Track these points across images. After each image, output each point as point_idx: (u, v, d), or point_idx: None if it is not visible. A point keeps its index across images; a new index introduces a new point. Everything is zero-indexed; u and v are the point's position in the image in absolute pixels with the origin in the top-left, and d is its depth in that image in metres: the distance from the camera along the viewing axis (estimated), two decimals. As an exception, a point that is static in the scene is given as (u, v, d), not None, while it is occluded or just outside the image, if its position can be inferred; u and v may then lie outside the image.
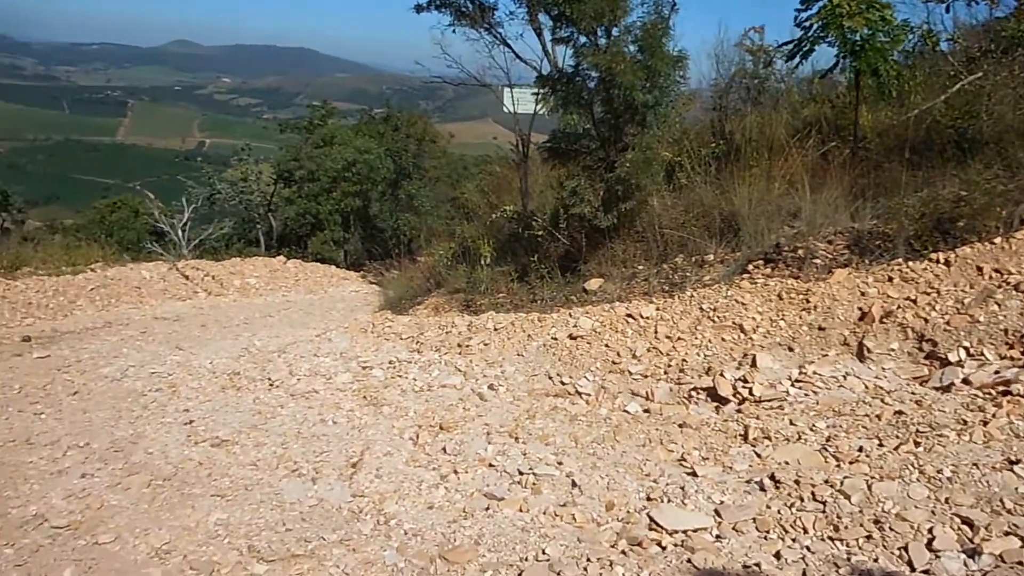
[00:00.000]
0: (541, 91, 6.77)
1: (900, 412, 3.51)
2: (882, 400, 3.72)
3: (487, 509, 3.09)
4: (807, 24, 5.99)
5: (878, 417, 3.52)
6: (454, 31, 11.61)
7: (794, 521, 2.74)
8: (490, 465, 3.54)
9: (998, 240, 4.49)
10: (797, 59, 6.21)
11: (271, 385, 5.01)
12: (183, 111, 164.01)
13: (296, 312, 9.56)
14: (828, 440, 3.37)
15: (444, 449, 3.74)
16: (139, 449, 3.92)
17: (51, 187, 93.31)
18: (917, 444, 3.15)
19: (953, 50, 6.92)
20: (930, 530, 2.53)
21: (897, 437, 3.27)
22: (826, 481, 2.96)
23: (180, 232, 13.67)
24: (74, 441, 4.06)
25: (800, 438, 3.44)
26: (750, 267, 5.40)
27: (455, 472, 3.47)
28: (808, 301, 4.70)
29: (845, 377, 4.02)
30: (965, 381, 3.72)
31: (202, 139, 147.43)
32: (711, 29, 8.49)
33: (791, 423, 3.61)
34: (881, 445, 3.23)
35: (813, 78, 7.86)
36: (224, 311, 9.33)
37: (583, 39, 6.18)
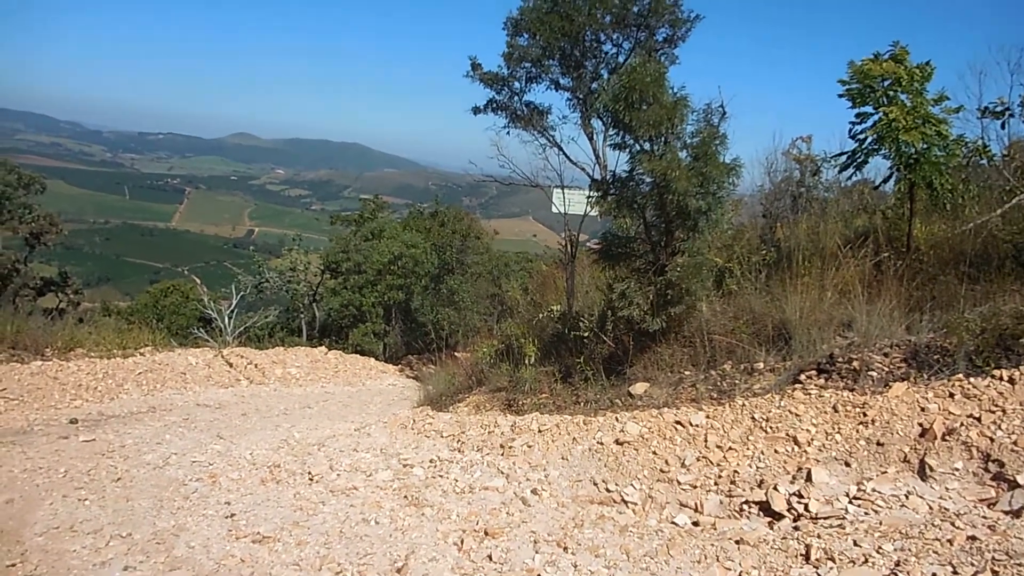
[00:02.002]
0: (594, 194, 6.99)
1: (973, 537, 3.37)
2: (951, 523, 3.58)
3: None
4: (862, 137, 6.16)
5: (949, 542, 3.38)
6: (508, 132, 12.24)
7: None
8: (538, 576, 3.48)
9: (1066, 359, 4.39)
10: (851, 170, 6.36)
11: (311, 480, 5.05)
12: (236, 200, 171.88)
13: (335, 404, 9.67)
14: (897, 564, 3.24)
15: (490, 557, 3.69)
16: (181, 542, 3.96)
17: (105, 268, 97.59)
18: (995, 573, 3.01)
19: (1008, 164, 7.01)
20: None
21: (972, 564, 3.13)
22: (892, 611, 2.84)
23: (226, 319, 14.10)
24: (117, 531, 4.12)
25: (867, 561, 3.32)
26: (803, 377, 5.35)
27: (500, 581, 3.42)
28: (865, 415, 4.61)
29: (907, 496, 3.89)
30: (1038, 507, 3.57)
31: (252, 227, 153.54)
32: (759, 136, 8.77)
33: (855, 544, 3.49)
34: (955, 572, 3.09)
35: (861, 188, 8.00)
36: (265, 400, 9.49)
37: (638, 146, 6.41)
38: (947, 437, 4.25)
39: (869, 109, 6.22)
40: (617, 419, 5.45)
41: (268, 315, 17.19)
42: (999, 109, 7.06)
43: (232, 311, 14.58)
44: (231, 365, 10.89)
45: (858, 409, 4.68)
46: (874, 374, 4.99)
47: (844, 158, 6.49)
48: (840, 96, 6.38)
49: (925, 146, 5.94)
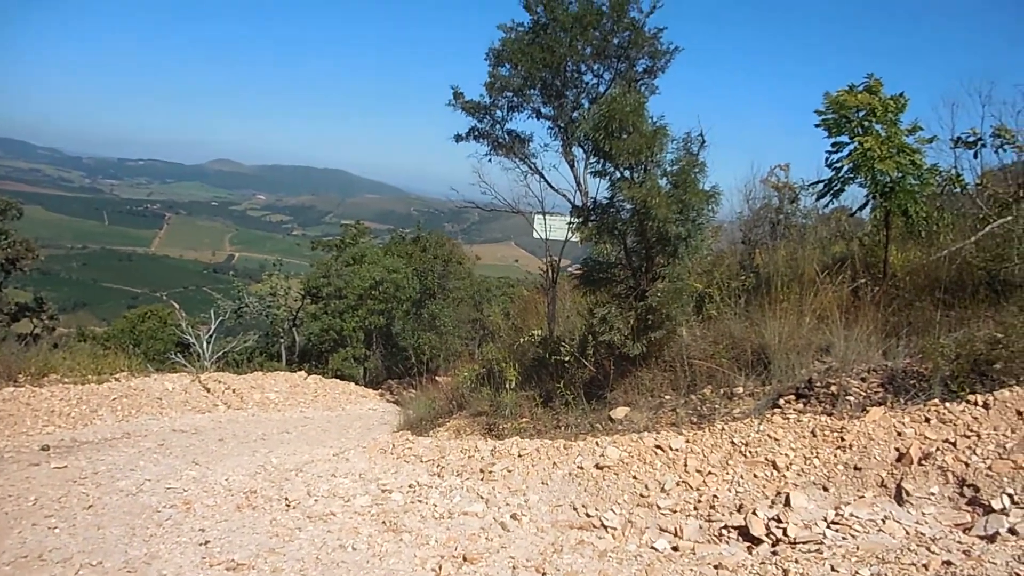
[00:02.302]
0: (576, 220, 7.06)
1: (948, 563, 3.39)
2: (927, 548, 3.60)
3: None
4: (838, 165, 6.29)
5: (925, 567, 3.39)
6: (490, 160, 12.33)
7: None
8: (514, 601, 3.44)
9: (1038, 384, 4.46)
10: (827, 198, 6.47)
11: (288, 506, 4.98)
12: (217, 225, 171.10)
13: (314, 429, 9.57)
14: (872, 590, 3.25)
15: (467, 582, 3.66)
16: (153, 571, 3.88)
17: (82, 294, 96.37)
18: (967, 598, 3.03)
19: (981, 193, 7.17)
20: None
21: (945, 590, 3.15)
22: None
23: (204, 344, 13.96)
24: (87, 559, 4.03)
25: (842, 586, 3.32)
26: (781, 402, 5.38)
27: (477, 607, 3.38)
28: (843, 439, 4.64)
29: (884, 521, 3.91)
30: (1011, 531, 3.60)
31: (232, 252, 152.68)
32: (738, 164, 8.92)
33: (832, 569, 3.50)
34: (929, 598, 3.11)
35: (838, 215, 8.14)
36: (242, 425, 9.37)
37: (619, 173, 6.49)
38: (923, 462, 4.29)
39: (845, 139, 6.35)
40: (597, 443, 5.44)
41: (247, 340, 17.04)
42: (971, 139, 7.25)
43: (211, 336, 14.46)
44: (209, 390, 10.75)
45: (836, 434, 4.72)
46: (852, 399, 5.04)
47: (821, 186, 6.60)
48: (817, 126, 6.52)
49: (900, 175, 6.07)
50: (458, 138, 12.46)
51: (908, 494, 4.14)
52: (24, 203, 21.65)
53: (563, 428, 6.38)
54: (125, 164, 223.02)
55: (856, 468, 4.45)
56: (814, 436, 4.79)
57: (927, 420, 4.58)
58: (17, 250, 18.84)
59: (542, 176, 11.68)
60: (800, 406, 5.24)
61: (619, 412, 6.30)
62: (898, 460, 4.39)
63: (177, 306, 18.44)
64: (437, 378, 14.94)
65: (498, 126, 12.24)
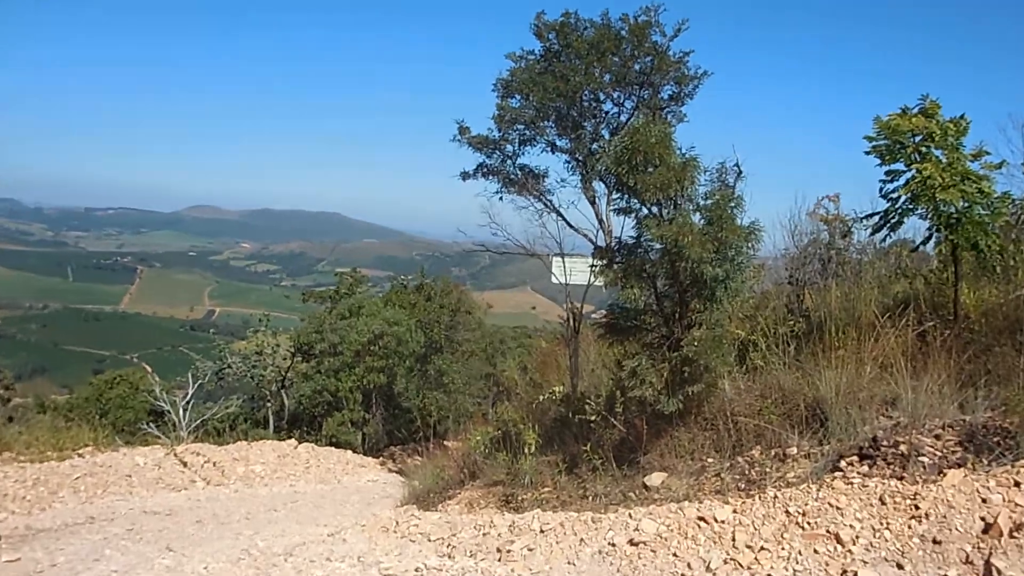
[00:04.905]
0: (599, 262, 7.06)
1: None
2: (1024, 635, 3.47)
3: None
4: (894, 195, 6.29)
5: (1021, 657, 3.26)
6: (501, 198, 12.47)
7: None
8: None
9: None
10: (884, 231, 6.46)
11: (277, 595, 4.89)
12: (195, 278, 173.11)
13: (306, 505, 9.49)
14: None
15: None
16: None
17: (42, 358, 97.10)
18: None
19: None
20: None
21: None
22: None
23: (181, 411, 13.96)
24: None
25: None
26: (843, 464, 5.28)
27: None
28: (917, 508, 4.52)
29: (973, 604, 3.78)
30: None
31: (212, 307, 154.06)
32: (780, 195, 8.94)
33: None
34: None
35: (898, 250, 8.10)
36: (224, 504, 9.30)
37: (645, 210, 6.52)
38: (1015, 533, 4.16)
39: (900, 166, 6.38)
40: (631, 516, 5.34)
41: (230, 405, 17.05)
42: (1047, 164, 7.24)
43: (188, 402, 14.47)
44: (185, 464, 10.72)
45: (909, 501, 4.60)
46: (925, 460, 4.93)
47: (877, 218, 6.60)
48: (867, 153, 6.55)
49: (966, 204, 6.06)
50: (465, 175, 12.65)
51: (999, 572, 4.01)
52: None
53: (591, 498, 6.30)
54: (92, 214, 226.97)
55: (935, 541, 4.33)
56: (883, 504, 4.67)
57: (1016, 484, 4.46)
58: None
59: (560, 214, 11.80)
60: (865, 468, 5.13)
61: (655, 478, 6.20)
62: (984, 532, 4.27)
63: (150, 369, 18.57)
64: (446, 443, 14.86)
65: (509, 161, 12.43)
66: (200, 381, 15.70)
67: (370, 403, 18.97)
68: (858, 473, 5.10)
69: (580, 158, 11.89)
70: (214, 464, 11.03)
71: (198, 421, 14.22)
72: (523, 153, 12.41)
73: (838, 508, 4.74)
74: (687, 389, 6.35)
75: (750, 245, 6.44)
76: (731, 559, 4.64)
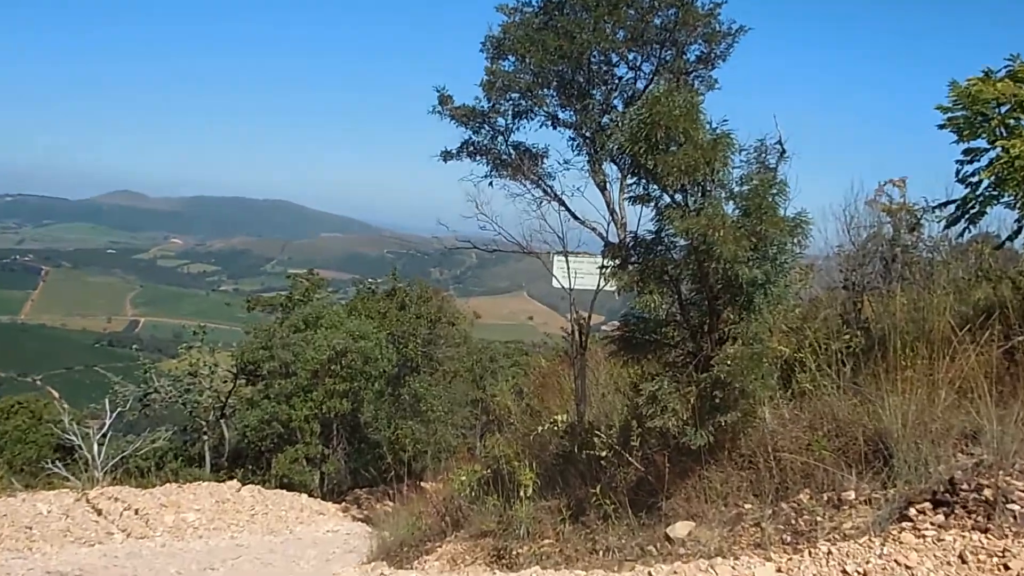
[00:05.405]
0: (610, 262, 7.03)
1: None
2: None
3: None
4: (974, 180, 6.27)
5: None
6: (491, 183, 12.45)
7: None
8: None
9: None
10: (962, 224, 6.43)
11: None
12: (115, 281, 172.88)
13: (251, 562, 9.48)
14: None
15: None
16: None
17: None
18: None
19: None
20: None
21: None
22: None
23: (95, 447, 13.88)
24: None
25: None
26: (912, 512, 5.26)
27: None
28: (1007, 567, 4.50)
29: None
30: None
31: (136, 317, 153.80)
32: (833, 179, 8.92)
33: None
34: None
35: (979, 247, 8.09)
36: (148, 561, 9.26)
37: (667, 197, 6.49)
38: None
39: (982, 143, 6.36)
40: (651, 574, 5.32)
41: (156, 439, 16.99)
42: None
43: (104, 435, 14.42)
44: (100, 512, 10.67)
45: (996, 559, 4.59)
46: (1016, 507, 4.91)
47: (952, 208, 6.58)
48: (941, 127, 6.53)
49: (1065, 189, 6.04)
50: (446, 155, 12.63)
51: (1105, 645, 3.98)
52: None
53: (601, 553, 6.29)
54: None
55: (1028, 609, 4.31)
56: (964, 562, 4.65)
57: None
58: None
59: (562, 203, 11.78)
60: (940, 518, 5.11)
61: (680, 529, 6.19)
62: (1091, 598, 4.25)
63: (57, 394, 18.48)
64: (423, 484, 14.81)
65: (501, 138, 12.44)
66: (120, 409, 15.67)
67: (330, 435, 18.94)
68: (931, 524, 5.08)
69: (587, 134, 11.89)
70: (136, 512, 10.99)
71: (117, 458, 14.15)
72: (518, 128, 12.42)
73: (907, 567, 4.72)
74: (719, 419, 6.32)
75: (796, 241, 6.42)
76: (775, 630, 4.62)
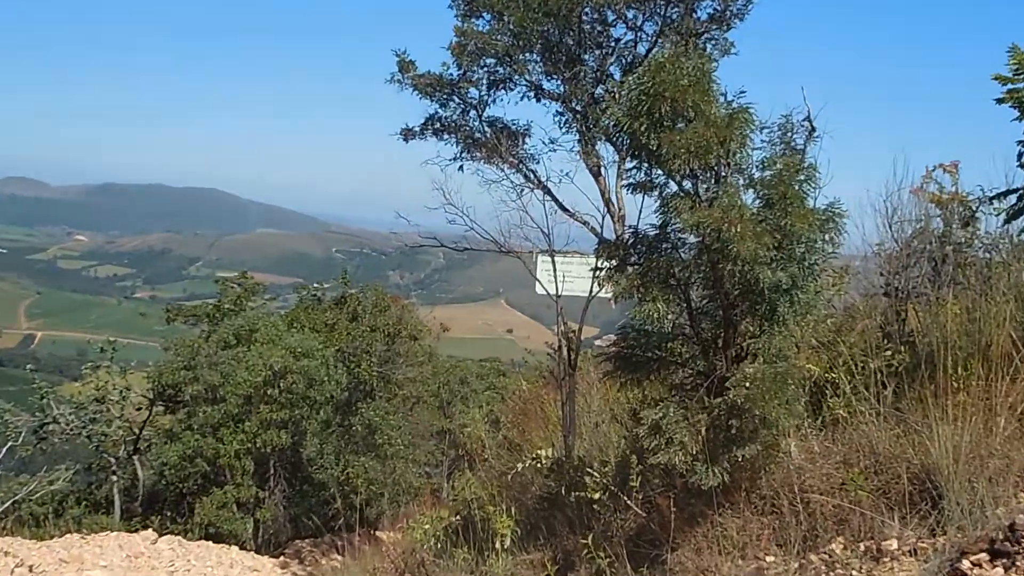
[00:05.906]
0: (604, 264, 7.03)
1: None
2: None
3: None
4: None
5: None
6: (462, 168, 12.42)
7: None
8: None
9: None
10: (1024, 219, 6.50)
11: None
12: (5, 287, 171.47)
13: (169, 631, 9.40)
14: None
15: None
16: None
17: None
18: None
19: None
20: None
21: None
22: None
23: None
24: None
25: None
26: (966, 564, 5.28)
27: None
28: (1076, 627, 4.54)
29: None
30: None
31: (31, 331, 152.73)
32: (871, 164, 8.94)
33: None
34: None
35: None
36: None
37: (673, 185, 6.49)
38: None
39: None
40: (655, 646, 5.34)
41: (55, 479, 16.84)
42: None
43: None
44: (-17, 571, 10.60)
45: (1064, 617, 4.62)
46: (1087, 556, 4.95)
47: (1013, 199, 6.62)
48: (999, 102, 6.57)
49: None
50: (408, 134, 12.60)
51: None
52: None
53: (595, 617, 6.26)
54: None
55: (1102, 678, 4.35)
56: (1026, 624, 4.68)
57: None
58: None
59: (548, 192, 11.75)
60: (999, 571, 5.14)
61: (690, 587, 6.20)
62: None
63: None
64: (379, 534, 14.78)
65: (473, 112, 12.42)
66: (11, 443, 15.53)
67: (266, 475, 18.85)
68: (989, 578, 5.11)
69: (578, 108, 11.89)
70: (31, 569, 10.94)
71: (8, 503, 14.05)
72: (494, 101, 12.39)
73: (960, 630, 4.75)
74: (735, 453, 6.34)
75: (828, 238, 6.43)
76: None
